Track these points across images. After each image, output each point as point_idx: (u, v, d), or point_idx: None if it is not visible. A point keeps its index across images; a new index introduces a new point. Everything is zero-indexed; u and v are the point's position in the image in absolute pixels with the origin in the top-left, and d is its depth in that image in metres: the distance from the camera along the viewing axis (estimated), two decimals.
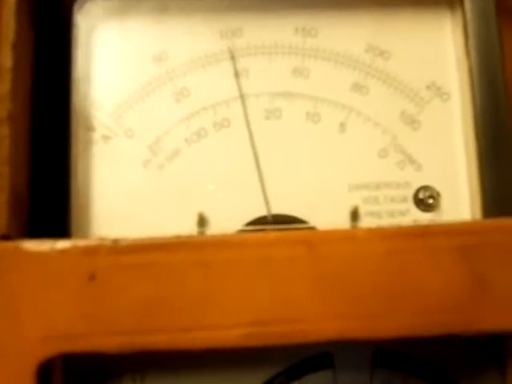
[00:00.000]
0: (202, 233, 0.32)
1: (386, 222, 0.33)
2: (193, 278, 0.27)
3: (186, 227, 0.32)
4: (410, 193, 0.33)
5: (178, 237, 0.27)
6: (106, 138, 0.33)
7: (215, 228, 0.32)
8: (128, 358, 0.30)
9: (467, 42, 0.34)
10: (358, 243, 0.27)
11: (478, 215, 0.33)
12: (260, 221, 0.32)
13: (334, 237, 0.28)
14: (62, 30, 0.32)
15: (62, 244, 0.27)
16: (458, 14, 0.34)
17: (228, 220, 0.32)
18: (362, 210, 0.33)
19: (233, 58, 0.31)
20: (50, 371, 0.28)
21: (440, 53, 0.34)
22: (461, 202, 0.33)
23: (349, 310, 0.27)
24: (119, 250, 0.27)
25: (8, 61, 0.29)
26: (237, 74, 0.33)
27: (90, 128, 0.33)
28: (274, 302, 0.27)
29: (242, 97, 0.32)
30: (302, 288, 0.27)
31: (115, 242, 0.27)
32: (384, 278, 0.27)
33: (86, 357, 0.29)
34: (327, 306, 0.27)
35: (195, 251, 0.27)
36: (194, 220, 0.32)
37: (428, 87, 0.34)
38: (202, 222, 0.32)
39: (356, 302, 0.27)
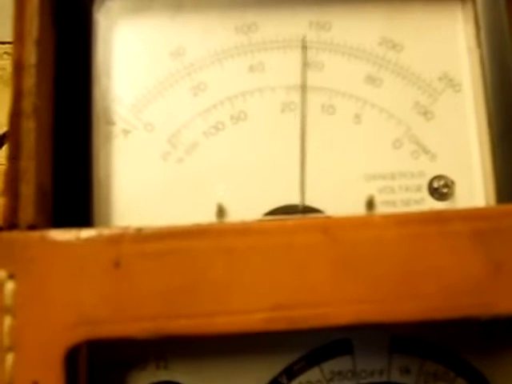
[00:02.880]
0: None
1: (401, 211, 0.33)
2: (215, 264, 0.27)
3: (205, 218, 0.33)
4: (425, 182, 0.34)
5: (200, 225, 0.28)
6: (125, 131, 0.33)
7: (234, 219, 0.33)
8: (151, 346, 0.31)
9: (478, 33, 0.34)
10: (374, 229, 0.28)
11: (493, 203, 0.33)
12: (278, 211, 0.33)
13: (350, 223, 0.28)
14: (82, 27, 0.33)
15: (86, 233, 0.28)
16: (469, 6, 0.35)
17: (246, 211, 0.33)
18: (377, 200, 0.34)
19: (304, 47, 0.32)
20: (76, 359, 0.29)
21: (451, 44, 0.35)
22: (475, 191, 0.34)
23: (367, 295, 0.27)
24: (143, 238, 0.27)
25: (32, 57, 0.29)
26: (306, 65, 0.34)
27: (110, 122, 0.33)
28: (294, 287, 0.27)
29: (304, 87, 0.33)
30: (322, 273, 0.27)
31: (139, 230, 0.27)
32: (401, 262, 0.28)
33: (110, 345, 0.30)
34: (346, 290, 0.27)
35: (217, 238, 0.27)
36: (213, 211, 0.33)
37: (440, 78, 0.35)
38: (221, 213, 0.33)
39: (374, 287, 0.28)
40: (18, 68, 0.29)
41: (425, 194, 0.34)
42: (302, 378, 0.31)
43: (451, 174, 0.34)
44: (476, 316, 0.28)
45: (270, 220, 0.32)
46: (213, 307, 0.27)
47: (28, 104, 0.29)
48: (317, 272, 0.27)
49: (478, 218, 0.28)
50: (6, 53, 0.58)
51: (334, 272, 0.27)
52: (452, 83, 0.35)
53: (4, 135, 0.40)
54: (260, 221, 0.32)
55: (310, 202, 0.33)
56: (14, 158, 0.28)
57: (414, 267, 0.28)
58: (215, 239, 0.27)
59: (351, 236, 0.28)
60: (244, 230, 0.28)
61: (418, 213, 0.29)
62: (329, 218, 0.31)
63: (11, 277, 0.27)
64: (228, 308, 0.27)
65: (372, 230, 0.28)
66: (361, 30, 0.35)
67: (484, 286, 0.28)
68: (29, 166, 0.28)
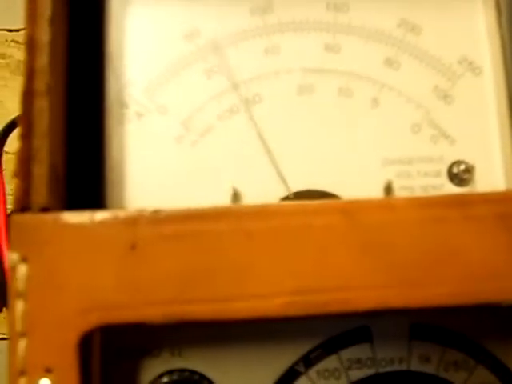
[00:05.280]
0: None
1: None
2: (233, 247, 0.27)
3: (220, 202, 0.32)
4: (444, 167, 0.33)
5: (218, 207, 0.27)
6: (139, 114, 0.33)
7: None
8: (166, 332, 0.30)
9: (499, 15, 0.34)
10: (395, 212, 0.27)
11: None
12: (294, 196, 0.32)
13: (371, 206, 0.27)
14: (95, 7, 0.32)
15: (101, 215, 0.27)
16: None
17: (262, 195, 0.32)
18: (395, 185, 0.33)
19: None
20: (89, 345, 0.28)
21: (471, 27, 0.34)
22: (495, 176, 0.33)
23: (388, 279, 0.27)
24: (159, 220, 0.27)
25: (45, 35, 0.29)
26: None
27: (123, 105, 0.33)
28: (314, 271, 0.27)
29: None
30: (342, 257, 0.27)
31: (155, 212, 0.27)
32: (422, 246, 0.27)
33: (124, 331, 0.30)
34: (367, 274, 0.27)
35: (235, 220, 0.27)
36: (228, 195, 0.32)
37: (460, 62, 0.34)
38: (236, 197, 0.32)
39: (395, 271, 0.27)
40: (31, 46, 0.28)
41: (444, 179, 0.33)
42: (320, 366, 0.30)
43: (471, 159, 0.33)
44: (499, 301, 0.27)
45: (289, 202, 0.31)
46: (230, 291, 0.26)
47: (41, 83, 0.28)
48: (337, 256, 0.27)
49: (501, 202, 0.28)
50: (13, 40, 0.57)
51: (355, 256, 0.27)
52: (472, 66, 0.34)
53: (13, 122, 0.39)
54: (279, 203, 0.31)
55: (326, 187, 0.33)
56: (26, 136, 0.27)
57: (436, 251, 0.27)
58: (233, 222, 0.27)
59: (372, 219, 0.27)
60: (262, 213, 0.27)
61: (440, 196, 0.28)
62: (349, 200, 0.30)
63: (24, 260, 0.26)
64: (246, 292, 0.26)
65: (393, 213, 0.27)
66: (379, 11, 0.34)
67: (507, 270, 0.27)
68: (42, 144, 0.28)
